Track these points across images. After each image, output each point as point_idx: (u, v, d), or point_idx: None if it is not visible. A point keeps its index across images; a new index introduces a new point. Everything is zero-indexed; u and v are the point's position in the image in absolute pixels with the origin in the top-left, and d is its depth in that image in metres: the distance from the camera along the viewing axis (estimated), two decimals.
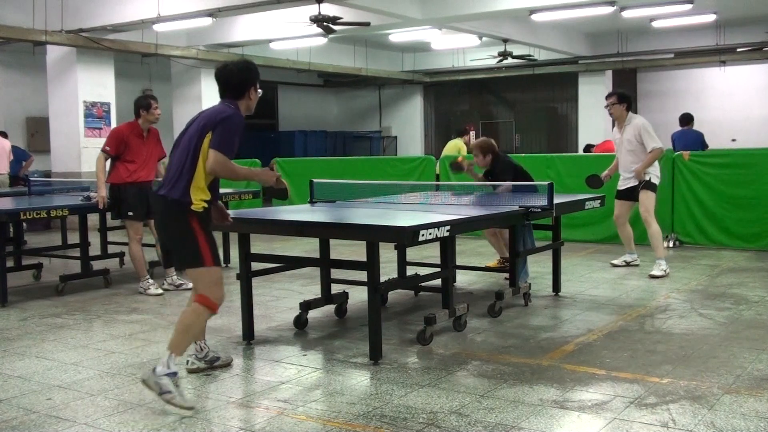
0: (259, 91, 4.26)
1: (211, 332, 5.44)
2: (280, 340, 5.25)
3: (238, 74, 4.16)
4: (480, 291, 6.80)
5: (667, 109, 18.81)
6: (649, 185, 7.37)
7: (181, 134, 4.13)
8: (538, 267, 7.38)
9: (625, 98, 7.51)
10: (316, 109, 22.59)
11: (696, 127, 11.37)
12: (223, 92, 4.20)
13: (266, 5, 11.22)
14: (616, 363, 4.49)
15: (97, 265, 7.78)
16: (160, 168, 7.44)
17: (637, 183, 7.41)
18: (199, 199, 4.02)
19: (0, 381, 4.42)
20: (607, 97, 7.60)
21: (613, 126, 7.85)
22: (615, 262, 7.94)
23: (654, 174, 7.42)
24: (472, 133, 19.14)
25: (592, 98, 18.92)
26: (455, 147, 13.37)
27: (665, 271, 7.26)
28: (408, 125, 22.52)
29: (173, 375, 3.85)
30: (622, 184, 7.62)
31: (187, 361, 4.43)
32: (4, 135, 12.34)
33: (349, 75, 19.47)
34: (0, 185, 11.40)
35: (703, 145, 10.80)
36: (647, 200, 7.37)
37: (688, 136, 10.99)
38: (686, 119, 11.22)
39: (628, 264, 7.84)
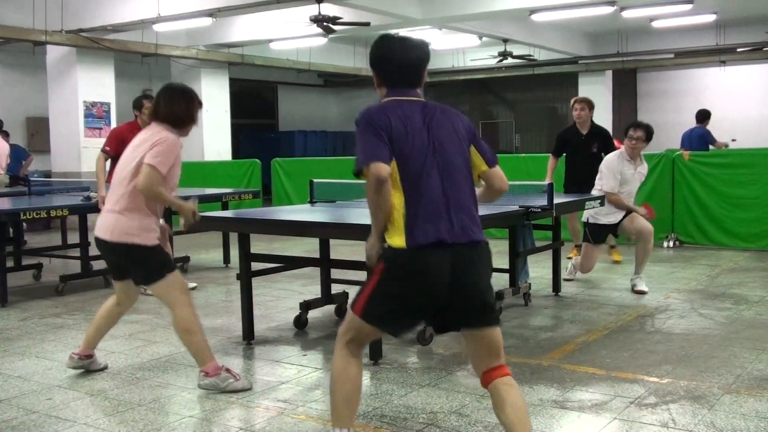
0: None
1: (212, 332, 5.45)
2: (280, 340, 5.25)
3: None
4: None
5: (667, 109, 18.84)
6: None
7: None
8: (538, 267, 7.38)
9: (650, 133, 6.68)
10: (316, 109, 22.60)
11: None
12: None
13: (266, 5, 11.23)
14: (616, 363, 4.49)
15: (97, 265, 7.76)
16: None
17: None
18: None
19: (0, 381, 4.42)
20: (634, 128, 6.63)
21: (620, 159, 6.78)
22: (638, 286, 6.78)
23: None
24: None
25: (592, 98, 18.88)
26: None
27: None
28: None
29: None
30: (615, 219, 6.71)
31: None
32: (6, 134, 12.33)
33: (349, 75, 19.47)
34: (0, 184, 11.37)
35: (706, 143, 10.80)
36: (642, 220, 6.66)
37: (692, 134, 11.01)
38: (698, 117, 11.22)
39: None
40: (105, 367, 4.57)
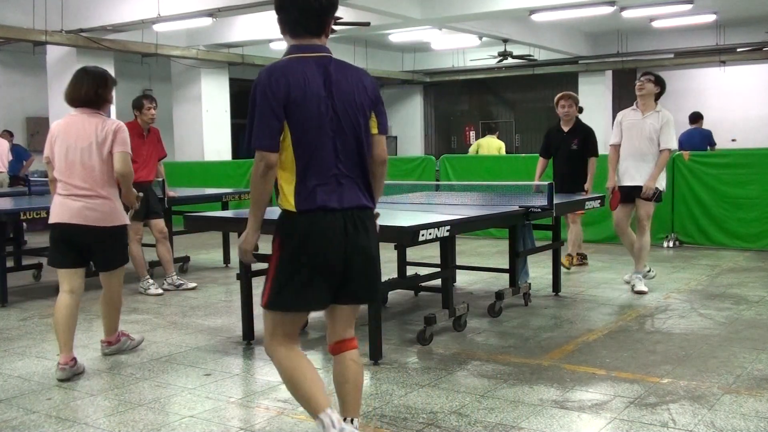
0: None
1: (212, 332, 5.45)
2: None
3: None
4: (480, 291, 6.80)
5: (666, 109, 18.82)
6: (660, 198, 6.50)
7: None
8: (538, 267, 7.38)
9: (661, 82, 6.52)
10: None
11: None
12: None
13: (266, 5, 11.22)
14: (616, 363, 4.49)
15: None
16: (160, 168, 7.44)
17: (641, 184, 6.37)
18: None
19: (0, 381, 4.42)
20: (642, 75, 6.61)
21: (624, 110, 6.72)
22: (626, 278, 6.85)
23: (663, 181, 6.52)
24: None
25: (592, 98, 18.88)
26: (496, 147, 13.22)
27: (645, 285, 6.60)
28: (408, 125, 22.53)
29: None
30: (627, 180, 6.48)
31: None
32: (11, 134, 12.33)
33: None
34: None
35: (708, 144, 10.80)
36: (651, 207, 6.49)
37: (694, 135, 11.01)
38: (692, 118, 11.22)
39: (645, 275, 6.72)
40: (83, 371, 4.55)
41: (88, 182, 4.45)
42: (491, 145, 13.19)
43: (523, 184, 7.16)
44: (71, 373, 4.41)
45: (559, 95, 7.65)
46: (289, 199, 2.96)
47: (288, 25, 3.08)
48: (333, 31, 12.44)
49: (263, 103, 2.87)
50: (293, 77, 2.90)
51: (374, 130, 3.07)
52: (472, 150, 13.56)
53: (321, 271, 2.92)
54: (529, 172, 9.99)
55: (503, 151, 13.32)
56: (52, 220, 4.58)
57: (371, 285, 3.07)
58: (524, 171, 10.16)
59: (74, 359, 4.49)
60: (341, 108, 2.95)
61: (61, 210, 4.49)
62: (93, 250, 4.67)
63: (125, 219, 4.66)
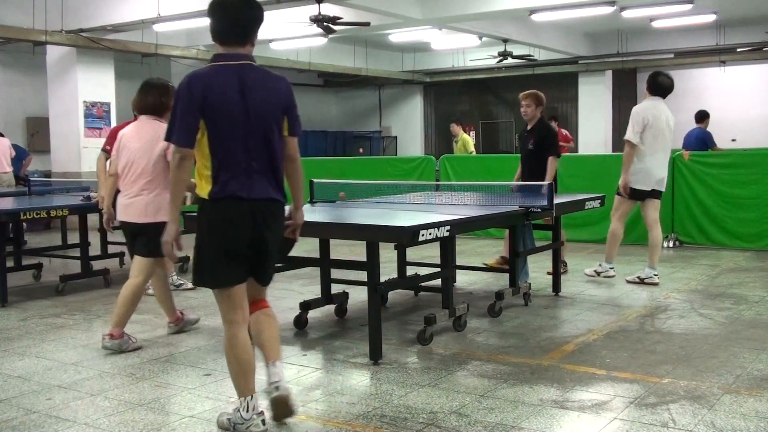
0: None
1: (212, 332, 5.45)
2: (281, 340, 5.24)
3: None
4: (480, 291, 6.80)
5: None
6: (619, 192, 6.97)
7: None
8: (538, 267, 7.37)
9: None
10: (316, 109, 22.58)
11: None
12: None
13: (266, 5, 11.20)
14: (616, 363, 4.49)
15: (97, 265, 7.78)
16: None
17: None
18: None
19: (0, 381, 4.42)
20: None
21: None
22: (628, 278, 7.04)
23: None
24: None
25: (592, 98, 18.92)
26: (471, 143, 14.06)
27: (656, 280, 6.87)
28: (408, 125, 22.53)
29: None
30: (645, 186, 6.88)
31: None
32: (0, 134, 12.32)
33: (349, 75, 19.47)
34: (6, 184, 11.36)
35: (704, 144, 10.78)
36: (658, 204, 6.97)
37: (691, 135, 11.00)
38: (697, 117, 11.22)
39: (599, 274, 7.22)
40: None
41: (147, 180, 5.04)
42: (468, 142, 13.97)
43: (523, 184, 7.16)
44: (178, 329, 5.36)
45: (520, 94, 7.45)
46: (205, 189, 3.35)
47: (216, 34, 3.44)
48: (333, 31, 12.21)
49: (181, 105, 3.30)
50: (210, 83, 3.32)
51: (285, 132, 3.48)
52: (459, 146, 13.79)
53: (230, 253, 3.35)
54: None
55: (470, 147, 13.97)
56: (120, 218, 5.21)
57: (267, 271, 3.56)
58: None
59: (180, 317, 5.42)
60: (254, 112, 3.35)
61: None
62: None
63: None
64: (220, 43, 3.42)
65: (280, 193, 3.46)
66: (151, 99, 5.12)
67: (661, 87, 6.97)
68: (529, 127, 7.30)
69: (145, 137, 5.04)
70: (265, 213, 3.40)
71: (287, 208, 3.63)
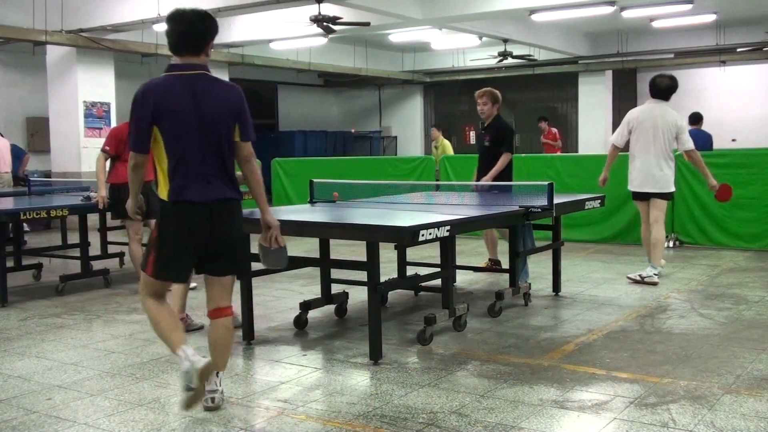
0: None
1: None
2: (280, 340, 5.25)
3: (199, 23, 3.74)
4: (480, 291, 6.80)
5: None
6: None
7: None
8: (538, 267, 7.38)
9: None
10: (316, 109, 22.58)
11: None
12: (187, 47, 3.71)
13: (266, 5, 11.22)
14: (616, 363, 4.49)
15: (97, 265, 7.78)
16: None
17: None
18: None
19: (0, 381, 4.42)
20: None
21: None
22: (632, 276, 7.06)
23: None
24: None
25: (592, 98, 18.92)
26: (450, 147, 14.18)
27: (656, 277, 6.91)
28: (408, 125, 22.52)
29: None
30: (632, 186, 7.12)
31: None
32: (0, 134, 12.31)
33: (349, 75, 19.47)
34: (5, 184, 11.36)
35: (710, 146, 10.77)
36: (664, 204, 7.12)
37: (697, 137, 10.98)
38: (693, 119, 11.21)
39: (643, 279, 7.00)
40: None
41: None
42: (448, 147, 14.08)
43: (523, 184, 7.15)
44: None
45: (476, 93, 7.34)
46: (164, 191, 3.59)
47: (171, 45, 3.68)
48: (333, 31, 12.21)
49: (136, 113, 3.57)
50: (163, 93, 3.56)
51: (237, 138, 3.67)
52: (439, 151, 13.83)
53: (183, 252, 3.62)
54: (530, 172, 10.03)
55: (449, 151, 13.96)
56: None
57: (233, 261, 3.75)
58: (524, 171, 10.14)
59: (183, 318, 5.55)
60: (205, 119, 3.56)
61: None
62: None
63: None
64: (175, 54, 3.67)
65: (235, 191, 3.68)
66: None
67: (657, 89, 7.07)
68: (485, 124, 7.27)
69: None
70: (222, 212, 3.62)
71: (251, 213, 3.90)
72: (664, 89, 7.03)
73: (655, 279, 6.87)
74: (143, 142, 3.57)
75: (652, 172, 6.96)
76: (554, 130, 15.57)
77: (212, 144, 3.60)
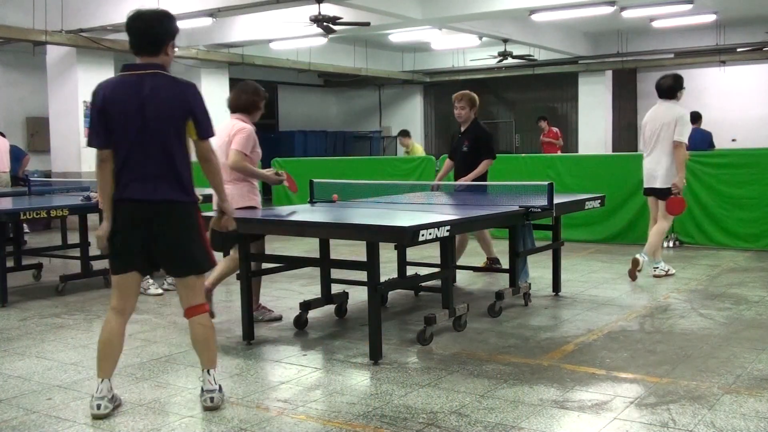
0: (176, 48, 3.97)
1: None
2: (280, 340, 5.25)
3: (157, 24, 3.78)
4: (480, 291, 6.80)
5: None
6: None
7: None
8: (538, 267, 7.38)
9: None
10: (316, 109, 22.58)
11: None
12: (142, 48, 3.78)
13: (266, 5, 11.22)
14: (616, 363, 4.49)
15: (97, 265, 7.77)
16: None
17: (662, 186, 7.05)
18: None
19: (0, 381, 4.42)
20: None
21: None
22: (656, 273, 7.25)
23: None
24: None
25: (592, 98, 18.91)
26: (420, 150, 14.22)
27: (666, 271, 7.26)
28: (408, 125, 22.44)
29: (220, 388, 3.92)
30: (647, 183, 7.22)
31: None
32: (2, 134, 12.32)
33: (349, 75, 19.46)
34: (3, 184, 11.36)
35: (710, 145, 10.79)
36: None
37: (696, 135, 11.00)
38: (692, 118, 11.22)
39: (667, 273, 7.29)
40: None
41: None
42: (420, 151, 14.10)
43: (523, 184, 7.15)
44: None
45: (453, 96, 7.33)
46: (113, 189, 3.71)
47: (130, 45, 3.77)
48: (333, 31, 12.24)
49: (91, 112, 3.72)
50: (112, 93, 3.67)
51: (194, 137, 3.71)
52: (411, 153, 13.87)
53: (128, 248, 3.71)
54: (529, 172, 10.03)
55: (419, 152, 13.98)
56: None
57: (181, 263, 3.75)
58: (524, 171, 10.16)
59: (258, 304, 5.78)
60: (150, 119, 3.61)
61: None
62: None
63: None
64: (134, 54, 3.75)
65: (182, 193, 3.69)
66: (244, 97, 5.50)
67: (661, 89, 7.20)
68: (463, 129, 7.24)
69: (222, 135, 5.34)
70: (163, 213, 3.66)
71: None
72: (666, 89, 7.15)
73: (656, 272, 7.19)
74: (93, 137, 3.68)
75: (654, 168, 7.10)
76: (555, 129, 15.60)
77: (157, 144, 3.63)
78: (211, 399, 3.80)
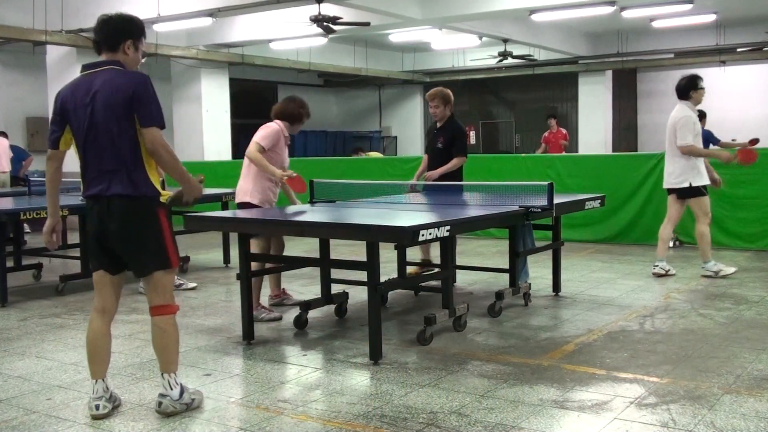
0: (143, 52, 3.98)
1: (212, 332, 5.45)
2: (280, 340, 5.25)
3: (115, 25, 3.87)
4: (480, 291, 6.80)
5: (667, 109, 18.53)
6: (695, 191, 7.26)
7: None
8: (538, 267, 7.38)
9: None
10: (316, 109, 22.39)
11: None
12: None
13: (266, 5, 11.23)
14: (616, 363, 4.49)
15: None
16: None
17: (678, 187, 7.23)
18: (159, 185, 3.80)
19: (0, 381, 4.42)
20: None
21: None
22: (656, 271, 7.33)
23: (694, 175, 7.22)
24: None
25: (592, 98, 18.91)
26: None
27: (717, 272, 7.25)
28: (408, 125, 22.53)
29: (185, 389, 3.82)
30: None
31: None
32: (4, 135, 12.32)
33: (349, 75, 19.47)
34: (1, 185, 11.37)
35: (710, 143, 10.78)
36: (692, 202, 7.52)
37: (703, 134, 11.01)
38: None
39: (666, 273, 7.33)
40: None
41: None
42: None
43: (523, 184, 7.15)
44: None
45: (427, 94, 7.21)
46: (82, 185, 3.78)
47: (95, 45, 3.89)
48: (333, 31, 12.23)
49: (52, 113, 3.78)
50: (68, 94, 3.73)
51: (139, 126, 3.63)
52: None
53: (93, 246, 3.83)
54: (530, 172, 10.03)
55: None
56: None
57: (137, 259, 3.75)
58: (524, 171, 10.16)
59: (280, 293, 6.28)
60: (99, 114, 3.61)
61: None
62: None
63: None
64: (96, 52, 3.88)
65: (131, 188, 3.63)
66: (292, 106, 5.92)
67: (677, 90, 7.39)
68: (438, 125, 7.21)
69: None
70: (114, 209, 3.64)
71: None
72: (679, 90, 7.29)
73: (657, 270, 7.26)
74: (53, 139, 3.72)
75: (666, 168, 7.28)
76: (564, 130, 15.49)
77: (106, 138, 3.61)
78: (159, 403, 3.74)
